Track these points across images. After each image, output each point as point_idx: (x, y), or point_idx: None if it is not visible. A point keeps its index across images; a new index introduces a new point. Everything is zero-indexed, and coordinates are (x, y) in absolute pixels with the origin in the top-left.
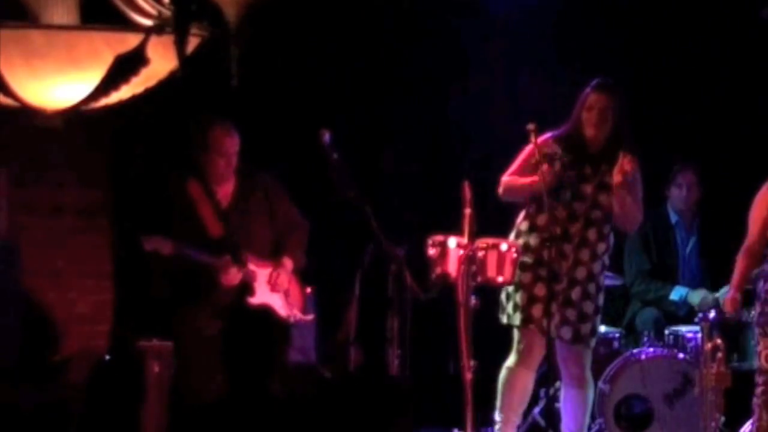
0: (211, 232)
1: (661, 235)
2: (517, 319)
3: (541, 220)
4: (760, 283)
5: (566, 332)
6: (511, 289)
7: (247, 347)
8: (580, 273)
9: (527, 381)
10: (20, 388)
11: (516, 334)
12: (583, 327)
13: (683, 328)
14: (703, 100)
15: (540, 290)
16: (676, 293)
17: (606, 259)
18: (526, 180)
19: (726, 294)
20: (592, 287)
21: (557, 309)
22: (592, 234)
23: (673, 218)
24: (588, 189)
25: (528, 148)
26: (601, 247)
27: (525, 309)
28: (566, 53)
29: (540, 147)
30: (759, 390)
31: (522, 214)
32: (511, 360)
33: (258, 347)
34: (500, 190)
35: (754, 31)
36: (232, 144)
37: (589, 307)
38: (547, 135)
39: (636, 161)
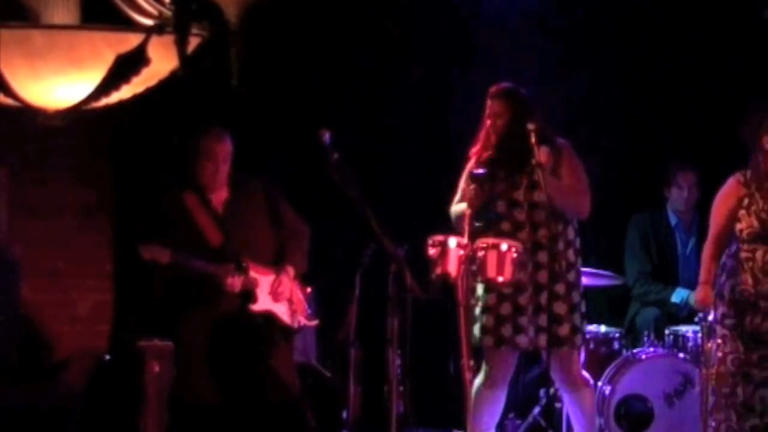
0: (210, 241)
1: (660, 236)
2: (485, 341)
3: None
4: (722, 279)
5: (542, 339)
6: (477, 311)
7: (240, 354)
8: (542, 277)
9: (495, 400)
10: (20, 388)
11: (484, 354)
12: (559, 329)
13: (683, 328)
14: (703, 101)
15: (506, 309)
16: (678, 296)
17: (571, 256)
18: (460, 207)
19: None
20: (560, 288)
21: (528, 321)
22: (542, 236)
23: (673, 219)
24: (519, 195)
25: (465, 172)
26: (558, 245)
27: (494, 331)
28: (568, 54)
29: (476, 164)
30: (726, 391)
31: None
32: (479, 380)
33: (251, 354)
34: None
35: (756, 31)
36: (222, 149)
37: (561, 308)
38: (477, 148)
39: (549, 149)
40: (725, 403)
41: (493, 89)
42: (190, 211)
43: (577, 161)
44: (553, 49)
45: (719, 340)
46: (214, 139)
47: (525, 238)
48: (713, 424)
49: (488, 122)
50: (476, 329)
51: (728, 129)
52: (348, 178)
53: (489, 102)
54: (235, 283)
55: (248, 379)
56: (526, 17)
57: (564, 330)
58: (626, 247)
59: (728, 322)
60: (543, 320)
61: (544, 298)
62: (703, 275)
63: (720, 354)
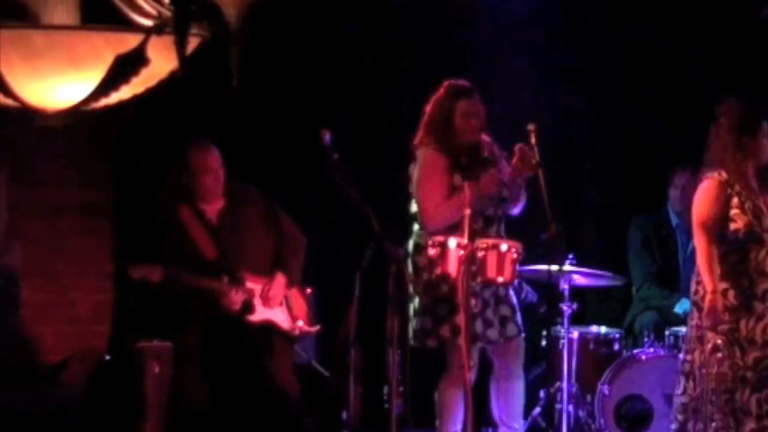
0: (204, 255)
1: (662, 237)
2: (459, 340)
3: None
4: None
5: (511, 329)
6: (443, 311)
7: (238, 359)
8: None
9: (460, 397)
10: (20, 388)
11: (452, 354)
12: (516, 317)
13: (683, 329)
14: (703, 102)
15: (475, 305)
16: (680, 307)
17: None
18: (455, 201)
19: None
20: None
21: (492, 313)
22: (493, 233)
23: (674, 220)
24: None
25: (433, 166)
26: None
27: (467, 329)
28: (566, 54)
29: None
30: (726, 397)
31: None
32: (444, 382)
33: (248, 360)
34: (431, 224)
35: (755, 31)
36: (212, 160)
37: (513, 297)
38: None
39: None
40: (725, 409)
41: (461, 88)
42: (184, 225)
43: None
44: (552, 49)
45: (709, 345)
46: (202, 150)
47: (494, 233)
48: (713, 424)
49: (462, 121)
50: (445, 330)
51: None
52: (348, 179)
53: (463, 102)
54: (236, 298)
55: (246, 384)
56: (523, 17)
57: (519, 318)
58: (629, 248)
59: (722, 327)
60: (505, 311)
61: (502, 289)
62: (711, 284)
63: (717, 357)
